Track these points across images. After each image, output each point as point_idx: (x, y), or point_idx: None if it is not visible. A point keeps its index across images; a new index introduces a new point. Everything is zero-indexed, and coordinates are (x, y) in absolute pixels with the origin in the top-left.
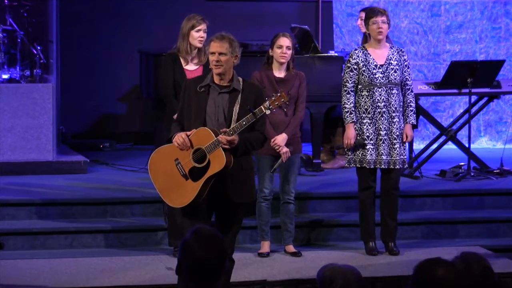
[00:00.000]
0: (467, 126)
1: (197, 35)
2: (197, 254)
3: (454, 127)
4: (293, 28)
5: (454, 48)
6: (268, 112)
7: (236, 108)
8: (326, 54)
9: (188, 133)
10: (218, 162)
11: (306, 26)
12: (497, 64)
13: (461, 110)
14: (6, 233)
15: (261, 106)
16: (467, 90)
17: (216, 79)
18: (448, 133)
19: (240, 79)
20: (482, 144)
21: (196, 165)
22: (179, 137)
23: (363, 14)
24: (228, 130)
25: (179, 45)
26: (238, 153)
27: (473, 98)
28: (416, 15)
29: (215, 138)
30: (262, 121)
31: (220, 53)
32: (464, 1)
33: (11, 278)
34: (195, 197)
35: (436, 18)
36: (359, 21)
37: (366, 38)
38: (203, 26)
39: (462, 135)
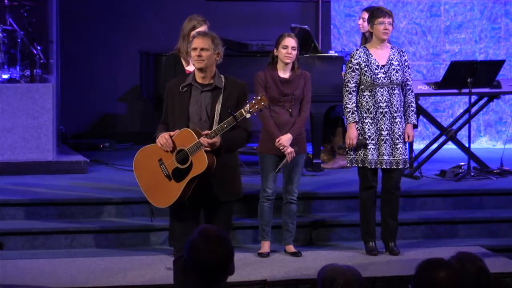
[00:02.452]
0: (467, 126)
1: None
2: (204, 255)
3: (454, 127)
4: (293, 28)
5: (454, 48)
6: (248, 115)
7: (218, 107)
8: (326, 54)
9: (171, 133)
10: (200, 163)
11: (306, 26)
12: (497, 64)
13: (461, 110)
14: (6, 233)
15: (242, 110)
16: (467, 90)
17: (198, 78)
18: (448, 133)
19: (223, 77)
20: (482, 144)
21: (179, 166)
22: (162, 138)
23: (365, 14)
24: (209, 132)
25: (179, 45)
26: (221, 153)
27: (473, 98)
28: (415, 15)
29: (197, 140)
30: (245, 118)
31: (202, 48)
32: (463, 1)
33: (11, 278)
34: (178, 198)
35: (435, 18)
36: (360, 21)
37: (365, 38)
38: (203, 28)
39: (462, 135)
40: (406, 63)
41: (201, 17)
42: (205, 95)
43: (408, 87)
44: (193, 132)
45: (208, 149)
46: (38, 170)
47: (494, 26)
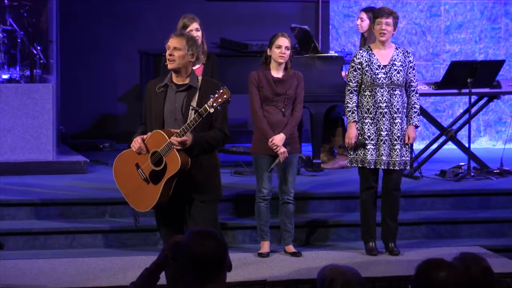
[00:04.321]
0: (467, 126)
1: None
2: (195, 250)
3: (454, 127)
4: (293, 28)
5: (454, 48)
6: (212, 110)
7: (193, 106)
8: (326, 54)
9: (144, 137)
10: (173, 163)
11: (306, 26)
12: (497, 64)
13: (461, 110)
14: (6, 233)
15: (205, 105)
16: (467, 90)
17: (174, 78)
18: (448, 133)
19: (200, 78)
20: (482, 144)
21: (155, 168)
22: (135, 142)
23: (363, 15)
24: (178, 131)
25: None
26: (193, 153)
27: (473, 98)
28: (414, 15)
29: (168, 141)
30: (221, 119)
31: (174, 48)
32: (463, 1)
33: (11, 278)
34: (158, 200)
35: (435, 18)
36: (358, 21)
37: (364, 39)
38: (194, 25)
39: (462, 135)
40: (410, 64)
41: (191, 15)
42: (180, 95)
43: (412, 88)
44: (164, 133)
45: (179, 148)
46: (38, 170)
47: (494, 26)
